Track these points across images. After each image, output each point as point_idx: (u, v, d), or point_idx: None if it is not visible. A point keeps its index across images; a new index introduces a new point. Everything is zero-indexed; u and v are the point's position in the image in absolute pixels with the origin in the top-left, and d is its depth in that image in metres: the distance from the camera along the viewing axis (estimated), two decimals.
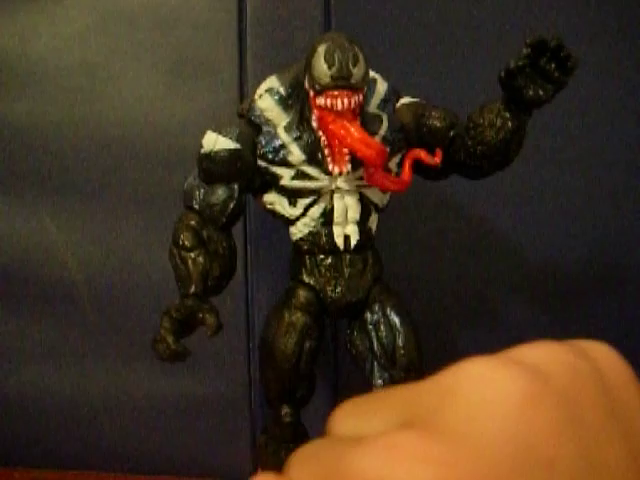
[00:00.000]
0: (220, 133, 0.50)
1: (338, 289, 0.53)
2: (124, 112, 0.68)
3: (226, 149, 0.50)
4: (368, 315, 0.54)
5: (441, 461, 0.17)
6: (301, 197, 0.52)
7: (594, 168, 0.75)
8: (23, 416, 0.73)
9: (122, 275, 0.70)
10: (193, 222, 0.50)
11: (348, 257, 0.53)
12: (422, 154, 0.51)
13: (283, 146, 0.50)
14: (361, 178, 0.51)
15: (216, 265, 0.49)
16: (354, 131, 0.47)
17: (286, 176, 0.51)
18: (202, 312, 0.46)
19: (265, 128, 0.51)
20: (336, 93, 0.46)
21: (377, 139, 0.50)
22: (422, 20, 0.70)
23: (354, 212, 0.52)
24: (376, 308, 0.54)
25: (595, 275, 0.77)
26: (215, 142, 0.50)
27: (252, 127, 0.51)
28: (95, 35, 0.67)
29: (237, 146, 0.50)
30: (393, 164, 0.52)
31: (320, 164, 0.50)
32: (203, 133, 0.51)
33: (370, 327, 0.54)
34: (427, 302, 0.74)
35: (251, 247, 0.70)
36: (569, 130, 0.74)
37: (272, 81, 0.51)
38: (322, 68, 0.46)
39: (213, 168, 0.50)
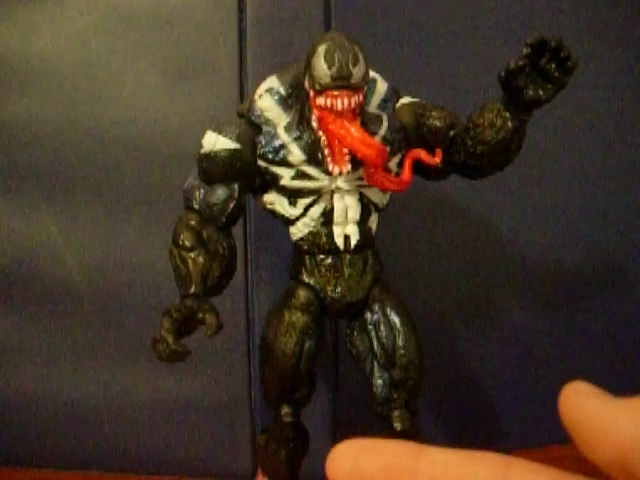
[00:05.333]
0: (220, 133, 0.50)
1: (338, 289, 0.53)
2: (124, 112, 0.68)
3: (226, 149, 0.50)
4: (368, 315, 0.54)
5: None
6: (301, 197, 0.52)
7: (594, 168, 0.75)
8: (23, 416, 0.73)
9: (122, 275, 0.70)
10: (193, 222, 0.50)
11: (348, 257, 0.53)
12: (422, 154, 0.51)
13: (283, 146, 0.50)
14: (361, 178, 0.51)
15: (216, 265, 0.49)
16: (354, 131, 0.47)
17: (286, 176, 0.51)
18: (202, 312, 0.46)
19: (265, 128, 0.51)
20: (336, 93, 0.46)
21: (377, 139, 0.50)
22: (422, 20, 0.70)
23: (354, 212, 0.52)
24: (376, 308, 0.54)
25: (595, 275, 0.77)
26: (215, 142, 0.50)
27: (252, 127, 0.51)
28: (95, 35, 0.67)
29: (237, 146, 0.50)
30: (393, 164, 0.52)
31: (320, 164, 0.50)
32: (203, 133, 0.51)
33: (370, 327, 0.54)
34: (427, 302, 0.74)
35: (251, 247, 0.70)
36: (569, 130, 0.74)
37: (272, 81, 0.51)
38: (322, 68, 0.46)
39: (213, 168, 0.50)
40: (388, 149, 0.50)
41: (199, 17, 0.67)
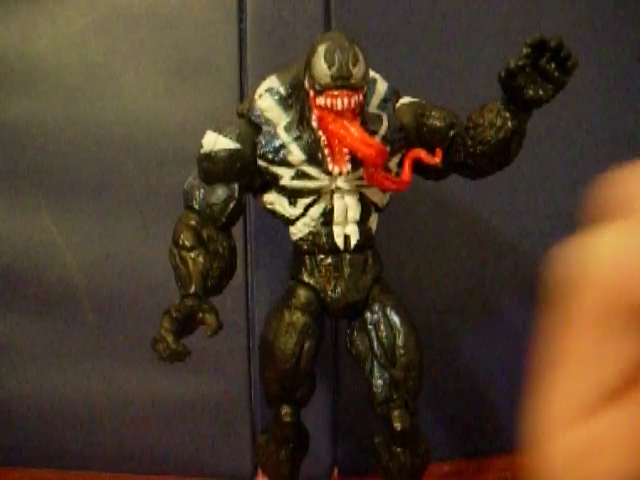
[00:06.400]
0: (220, 133, 0.50)
1: (338, 289, 0.53)
2: (124, 112, 0.68)
3: (226, 149, 0.50)
4: (368, 315, 0.54)
5: None
6: (301, 197, 0.52)
7: (595, 168, 0.75)
8: (23, 416, 0.73)
9: (122, 275, 0.70)
10: (193, 222, 0.50)
11: (348, 257, 0.53)
12: (422, 154, 0.51)
13: (283, 146, 0.50)
14: (361, 178, 0.51)
15: (216, 265, 0.49)
16: (354, 131, 0.47)
17: (286, 176, 0.51)
18: (202, 312, 0.46)
19: (265, 128, 0.51)
20: (336, 93, 0.46)
21: (377, 139, 0.50)
22: (422, 20, 0.69)
23: (354, 212, 0.52)
24: (376, 308, 0.54)
25: None
26: (215, 142, 0.50)
27: (252, 127, 0.51)
28: (95, 35, 0.67)
29: (237, 146, 0.50)
30: (393, 164, 0.52)
31: (320, 164, 0.50)
32: (203, 133, 0.51)
33: (370, 327, 0.54)
34: (427, 302, 0.74)
35: (251, 247, 0.70)
36: (569, 130, 0.74)
37: (272, 81, 0.51)
38: (322, 68, 0.46)
39: (213, 168, 0.50)
40: (388, 149, 0.50)
41: (199, 17, 0.67)
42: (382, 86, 0.53)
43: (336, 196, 0.52)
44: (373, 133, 0.50)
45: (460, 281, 0.75)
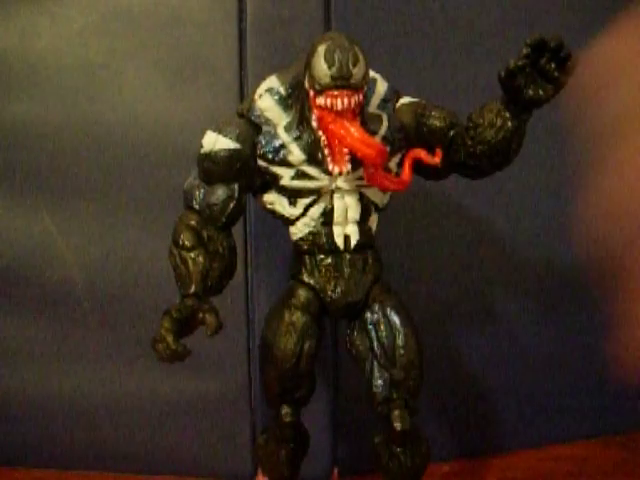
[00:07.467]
0: (220, 133, 0.50)
1: (338, 289, 0.53)
2: (124, 112, 0.68)
3: (226, 149, 0.50)
4: (368, 315, 0.54)
5: None
6: (301, 197, 0.52)
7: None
8: (23, 416, 0.73)
9: (122, 275, 0.70)
10: (193, 222, 0.50)
11: (348, 257, 0.53)
12: (422, 154, 0.51)
13: (283, 146, 0.50)
14: (361, 178, 0.51)
15: (216, 265, 0.49)
16: (354, 131, 0.47)
17: (286, 176, 0.51)
18: (202, 312, 0.46)
19: (265, 128, 0.51)
20: (336, 93, 0.46)
21: (377, 139, 0.50)
22: (422, 20, 0.70)
23: (354, 212, 0.52)
24: (376, 308, 0.54)
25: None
26: (215, 142, 0.50)
27: (252, 127, 0.51)
28: (95, 35, 0.67)
29: (237, 146, 0.50)
30: (393, 164, 0.52)
31: (320, 164, 0.50)
32: (203, 133, 0.51)
33: (370, 327, 0.54)
34: (427, 302, 0.74)
35: (251, 247, 0.70)
36: (569, 130, 0.74)
37: (272, 81, 0.51)
38: (322, 68, 0.46)
39: (213, 168, 0.50)
40: (388, 149, 0.50)
41: (199, 17, 0.67)
42: (382, 86, 0.53)
43: (336, 196, 0.52)
44: (373, 133, 0.50)
45: (460, 281, 0.75)
